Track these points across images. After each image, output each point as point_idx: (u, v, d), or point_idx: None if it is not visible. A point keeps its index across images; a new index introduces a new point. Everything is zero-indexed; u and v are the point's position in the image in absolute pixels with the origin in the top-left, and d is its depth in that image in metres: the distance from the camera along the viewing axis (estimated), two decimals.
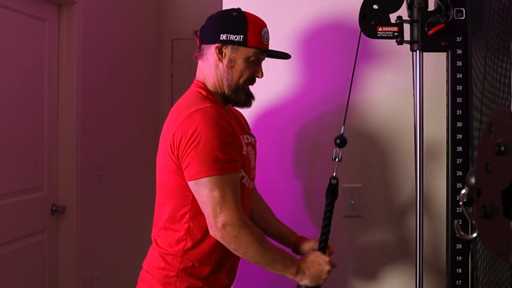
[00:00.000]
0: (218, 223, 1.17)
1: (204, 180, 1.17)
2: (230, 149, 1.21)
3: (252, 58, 1.30)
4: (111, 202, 2.94)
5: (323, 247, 1.32)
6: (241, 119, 1.47)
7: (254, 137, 1.45)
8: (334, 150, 1.34)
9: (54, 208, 2.50)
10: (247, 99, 1.35)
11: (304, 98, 1.70)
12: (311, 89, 1.70)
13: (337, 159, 1.34)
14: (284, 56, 1.40)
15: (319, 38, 1.70)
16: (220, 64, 1.31)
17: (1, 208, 2.15)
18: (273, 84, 1.71)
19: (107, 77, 2.90)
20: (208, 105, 1.22)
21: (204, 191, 1.18)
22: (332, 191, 1.35)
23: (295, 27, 1.70)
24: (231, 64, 1.30)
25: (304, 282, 1.26)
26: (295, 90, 1.71)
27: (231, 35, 1.28)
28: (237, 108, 1.42)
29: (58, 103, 2.56)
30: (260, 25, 1.31)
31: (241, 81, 1.32)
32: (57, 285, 2.54)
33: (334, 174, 1.35)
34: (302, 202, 1.71)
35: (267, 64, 1.67)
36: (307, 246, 1.43)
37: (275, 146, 1.70)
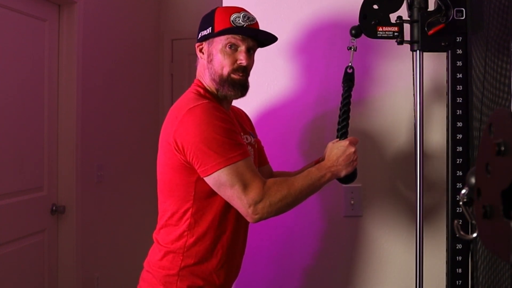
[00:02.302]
0: (250, 209, 1.17)
1: (221, 173, 1.17)
2: (235, 136, 1.21)
3: (228, 46, 1.27)
4: (111, 202, 2.94)
5: (343, 133, 1.33)
6: (242, 118, 1.46)
7: (254, 137, 1.44)
8: (350, 40, 1.35)
9: (54, 208, 2.50)
10: (236, 89, 1.29)
11: (306, 97, 1.70)
12: (312, 88, 1.70)
13: (352, 49, 1.36)
14: (269, 37, 1.32)
15: (319, 38, 1.70)
16: (204, 62, 1.32)
17: (1, 208, 2.15)
18: (274, 83, 1.71)
19: (107, 77, 2.90)
20: (206, 101, 1.23)
21: (225, 187, 1.18)
22: (349, 79, 1.37)
23: (295, 26, 1.70)
24: (209, 58, 1.30)
25: (343, 174, 1.28)
26: (296, 89, 1.71)
27: (203, 31, 1.31)
28: (239, 106, 1.42)
29: (58, 103, 2.56)
30: (229, 11, 1.28)
31: (224, 72, 1.28)
32: (57, 285, 2.54)
33: (350, 64, 1.37)
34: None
35: (268, 64, 1.68)
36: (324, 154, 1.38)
37: (277, 145, 1.70)
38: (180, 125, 1.20)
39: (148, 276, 1.30)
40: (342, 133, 1.33)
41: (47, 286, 2.46)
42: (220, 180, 1.18)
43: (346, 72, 1.38)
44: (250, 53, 1.30)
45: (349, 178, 1.31)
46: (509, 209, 0.52)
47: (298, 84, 1.71)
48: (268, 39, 1.33)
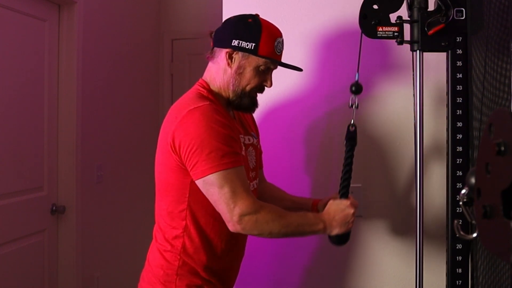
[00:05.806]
0: (235, 216, 1.17)
1: (212, 177, 1.17)
2: (232, 142, 1.22)
3: (261, 67, 1.29)
4: (111, 202, 2.94)
5: (344, 193, 1.33)
6: (245, 119, 1.45)
7: (256, 138, 1.44)
8: (351, 98, 1.35)
9: (54, 208, 2.50)
10: (250, 106, 1.34)
11: (311, 96, 1.70)
12: (317, 88, 1.70)
13: (353, 106, 1.35)
14: (296, 68, 1.38)
15: (319, 37, 1.70)
16: (229, 70, 1.30)
17: (1, 208, 2.15)
18: (279, 82, 1.70)
19: (107, 77, 2.90)
20: (207, 103, 1.22)
21: (214, 189, 1.18)
22: (351, 137, 1.36)
23: (296, 27, 1.70)
24: (239, 70, 1.29)
25: (335, 232, 1.28)
26: (300, 88, 1.71)
27: (243, 42, 1.27)
28: None
29: (58, 103, 2.56)
30: (274, 34, 1.29)
31: (248, 88, 1.31)
32: (57, 285, 2.54)
33: (352, 122, 1.36)
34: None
35: None
36: (326, 200, 1.40)
37: (283, 144, 1.70)
38: (179, 126, 1.20)
39: (148, 275, 1.31)
40: (343, 193, 1.33)
41: (47, 286, 2.46)
42: (210, 182, 1.18)
43: (348, 130, 1.37)
44: None
45: (341, 239, 1.30)
46: (509, 209, 0.52)
47: (303, 82, 1.71)
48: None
